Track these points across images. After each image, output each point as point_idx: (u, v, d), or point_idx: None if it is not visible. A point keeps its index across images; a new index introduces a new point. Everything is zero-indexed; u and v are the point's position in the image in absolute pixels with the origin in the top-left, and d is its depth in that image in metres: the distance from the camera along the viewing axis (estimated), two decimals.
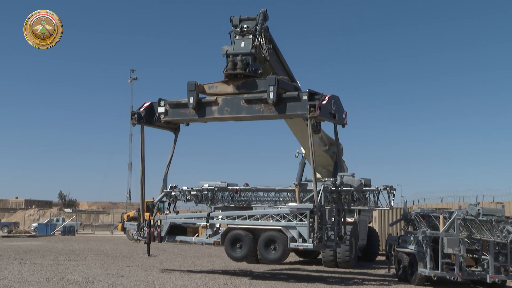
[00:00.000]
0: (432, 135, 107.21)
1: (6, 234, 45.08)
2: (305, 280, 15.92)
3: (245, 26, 15.59)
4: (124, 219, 38.69)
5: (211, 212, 16.52)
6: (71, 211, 69.75)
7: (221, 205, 17.03)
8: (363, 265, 20.93)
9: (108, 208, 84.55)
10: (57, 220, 53.02)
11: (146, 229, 16.89)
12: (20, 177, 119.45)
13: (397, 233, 19.86)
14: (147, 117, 16.69)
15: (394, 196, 15.60)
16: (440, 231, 14.69)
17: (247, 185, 17.13)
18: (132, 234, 18.34)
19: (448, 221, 14.73)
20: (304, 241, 14.31)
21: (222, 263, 19.88)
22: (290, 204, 15.41)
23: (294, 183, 15.73)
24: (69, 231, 47.29)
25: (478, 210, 14.20)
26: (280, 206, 16.08)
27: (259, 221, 15.24)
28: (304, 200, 15.37)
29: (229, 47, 15.69)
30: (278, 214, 15.00)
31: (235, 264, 19.36)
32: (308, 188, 15.57)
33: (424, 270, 14.58)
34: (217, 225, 16.12)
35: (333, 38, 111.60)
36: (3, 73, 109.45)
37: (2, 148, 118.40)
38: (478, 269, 14.62)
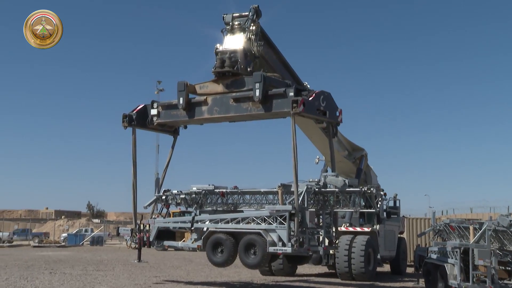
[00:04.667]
0: (461, 143, 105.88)
1: (37, 244, 45.81)
2: None
3: (236, 23, 15.12)
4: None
5: (196, 215, 16.01)
6: (99, 221, 70.78)
7: (210, 208, 16.50)
8: (389, 278, 20.38)
9: None
10: (86, 231, 53.91)
11: (137, 233, 16.51)
12: (50, 188, 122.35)
13: (426, 244, 19.55)
14: (140, 120, 16.24)
15: (383, 197, 14.80)
16: (471, 242, 14.32)
17: (236, 187, 16.53)
18: (126, 240, 17.90)
19: (479, 232, 14.36)
20: (284, 245, 13.60)
21: (249, 273, 19.80)
22: (269, 206, 14.80)
23: (278, 185, 15.04)
24: (97, 241, 47.88)
25: (510, 221, 13.85)
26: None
27: (241, 224, 14.57)
28: (288, 202, 14.62)
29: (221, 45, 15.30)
30: (258, 217, 14.31)
31: (260, 276, 19.36)
32: (292, 189, 14.53)
33: (454, 282, 14.16)
34: (204, 229, 15.29)
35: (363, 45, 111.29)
36: (36, 86, 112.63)
37: (33, 160, 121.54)
38: None
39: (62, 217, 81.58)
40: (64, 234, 52.83)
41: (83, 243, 47.56)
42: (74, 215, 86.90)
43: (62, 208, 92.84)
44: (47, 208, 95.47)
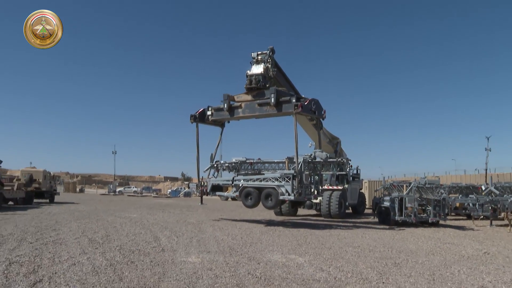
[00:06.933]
0: (399, 136, 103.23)
1: (155, 195, 49.18)
2: (316, 226, 15.89)
3: (259, 57, 15.10)
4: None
5: (235, 177, 16.04)
6: (188, 183, 73.69)
7: (243, 172, 16.48)
8: (353, 216, 20.19)
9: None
10: (181, 188, 56.44)
11: (199, 187, 16.80)
12: (162, 162, 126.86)
13: (379, 195, 20.27)
14: (201, 118, 16.23)
15: (350, 165, 14.83)
16: (404, 194, 15.29)
17: (259, 159, 16.63)
18: (193, 191, 18.61)
19: (408, 188, 15.38)
20: (290, 195, 13.78)
21: (273, 214, 20.02)
22: (280, 170, 15.13)
23: (285, 158, 15.12)
24: (187, 195, 49.10)
25: (425, 181, 14.88)
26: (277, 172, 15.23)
27: (262, 182, 14.64)
28: (292, 168, 14.76)
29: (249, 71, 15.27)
30: (273, 178, 14.34)
31: (276, 216, 19.39)
32: (294, 160, 14.51)
33: (395, 217, 15.13)
34: (240, 185, 15.12)
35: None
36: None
37: (153, 145, 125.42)
38: (424, 215, 15.06)
39: (168, 180, 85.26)
40: (169, 190, 55.32)
41: (179, 196, 49.37)
42: (174, 179, 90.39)
43: (168, 175, 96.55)
44: (159, 175, 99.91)
